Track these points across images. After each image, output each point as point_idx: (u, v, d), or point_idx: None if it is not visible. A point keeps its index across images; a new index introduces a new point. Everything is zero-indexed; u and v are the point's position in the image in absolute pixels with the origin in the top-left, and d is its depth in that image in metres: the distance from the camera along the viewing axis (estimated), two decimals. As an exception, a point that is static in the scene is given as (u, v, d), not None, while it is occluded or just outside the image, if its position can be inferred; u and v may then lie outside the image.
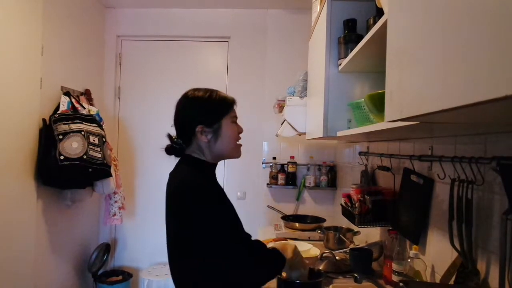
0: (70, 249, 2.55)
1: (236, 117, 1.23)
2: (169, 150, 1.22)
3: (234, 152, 1.23)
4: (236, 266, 1.08)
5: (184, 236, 1.10)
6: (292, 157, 2.86)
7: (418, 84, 0.61)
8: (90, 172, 2.15)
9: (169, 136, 1.24)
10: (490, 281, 0.96)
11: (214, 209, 1.09)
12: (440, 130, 1.05)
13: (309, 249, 1.86)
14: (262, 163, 2.91)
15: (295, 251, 1.23)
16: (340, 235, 1.98)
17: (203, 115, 1.17)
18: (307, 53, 2.24)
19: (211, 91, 1.21)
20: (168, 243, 1.19)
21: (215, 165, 1.24)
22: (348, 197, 1.81)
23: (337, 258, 1.70)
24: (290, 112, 2.30)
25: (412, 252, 1.28)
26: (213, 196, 1.12)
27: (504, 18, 0.38)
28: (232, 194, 2.84)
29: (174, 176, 1.18)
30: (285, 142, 2.92)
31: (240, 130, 1.23)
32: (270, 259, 1.17)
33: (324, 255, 1.75)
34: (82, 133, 2.16)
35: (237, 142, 1.23)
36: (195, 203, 1.07)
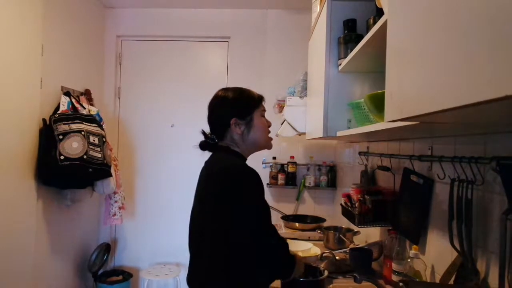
0: (70, 249, 2.55)
1: (264, 111, 1.33)
2: (203, 146, 1.28)
3: (267, 142, 1.31)
4: (264, 258, 1.12)
5: (223, 219, 1.11)
6: (292, 157, 2.86)
7: (418, 84, 0.61)
8: (90, 172, 2.15)
9: (203, 133, 1.31)
10: (489, 281, 0.96)
11: (262, 197, 1.15)
12: (440, 130, 1.06)
13: (310, 249, 1.86)
14: (262, 163, 2.91)
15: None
16: (340, 235, 1.98)
17: (236, 109, 1.25)
18: (307, 53, 2.24)
19: (241, 89, 1.30)
20: (194, 232, 1.21)
21: (245, 159, 1.30)
22: (348, 197, 1.81)
23: (337, 258, 1.70)
24: (290, 112, 2.30)
25: (412, 252, 1.28)
26: (262, 185, 1.15)
27: (504, 17, 0.38)
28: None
29: (214, 163, 1.23)
30: (285, 142, 2.92)
31: (269, 124, 1.33)
32: (288, 265, 1.21)
33: (324, 255, 1.75)
34: (82, 133, 2.16)
35: (268, 135, 1.32)
36: (247, 186, 1.11)
